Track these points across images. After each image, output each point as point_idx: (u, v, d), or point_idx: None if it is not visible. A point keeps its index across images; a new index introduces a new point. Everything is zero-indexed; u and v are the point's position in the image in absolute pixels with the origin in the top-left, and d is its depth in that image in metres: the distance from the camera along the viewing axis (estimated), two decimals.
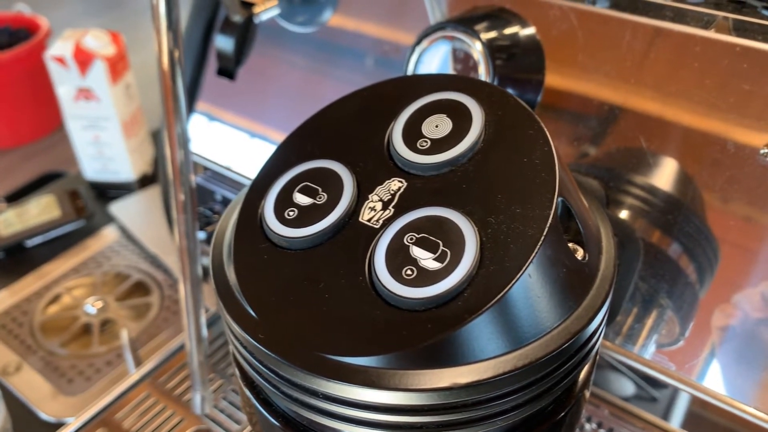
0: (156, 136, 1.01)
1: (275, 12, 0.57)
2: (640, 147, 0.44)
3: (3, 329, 0.73)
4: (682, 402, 0.50)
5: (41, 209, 0.88)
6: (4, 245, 0.83)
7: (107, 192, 0.94)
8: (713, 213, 0.42)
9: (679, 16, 0.43)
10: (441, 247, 0.27)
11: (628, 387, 0.53)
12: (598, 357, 0.34)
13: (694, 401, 0.48)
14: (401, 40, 0.54)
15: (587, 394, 0.34)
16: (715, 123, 0.41)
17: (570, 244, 0.29)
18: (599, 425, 0.53)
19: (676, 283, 0.44)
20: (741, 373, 0.42)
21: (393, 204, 0.29)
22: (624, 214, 0.44)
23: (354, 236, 0.29)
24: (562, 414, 0.31)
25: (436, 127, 0.30)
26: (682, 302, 0.43)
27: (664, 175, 0.43)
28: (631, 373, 0.51)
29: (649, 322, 0.45)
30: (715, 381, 0.43)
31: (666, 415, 0.52)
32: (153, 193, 0.92)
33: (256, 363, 0.28)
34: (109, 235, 0.86)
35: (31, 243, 0.84)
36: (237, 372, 0.32)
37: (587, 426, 0.53)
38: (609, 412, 0.53)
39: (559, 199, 0.28)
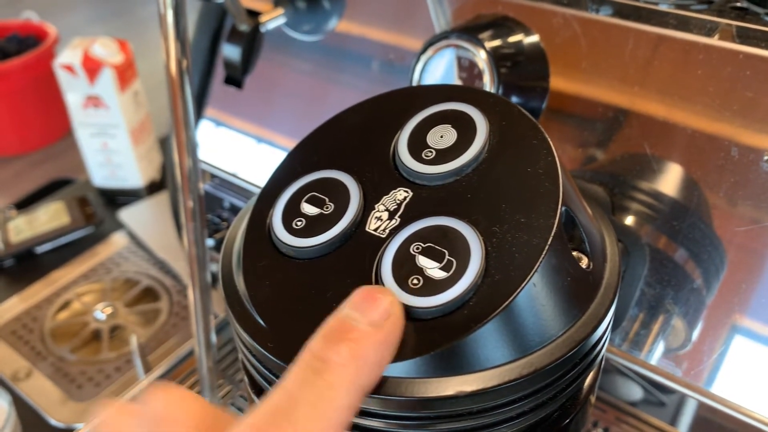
0: (163, 143, 1.01)
1: (281, 21, 0.58)
2: (645, 153, 0.44)
3: (13, 335, 0.74)
4: (690, 407, 0.51)
5: (51, 216, 0.88)
6: (15, 252, 0.84)
7: (116, 198, 0.94)
8: (718, 218, 0.42)
9: (682, 24, 0.43)
10: (447, 257, 0.27)
11: (635, 391, 0.53)
12: (603, 363, 0.34)
13: (702, 406, 0.48)
14: (406, 47, 0.55)
15: (593, 399, 0.34)
16: (718, 130, 0.42)
17: (574, 253, 0.29)
18: (606, 430, 0.53)
19: (682, 289, 0.44)
20: (749, 378, 0.42)
21: (399, 214, 0.29)
22: (629, 221, 0.45)
23: (361, 246, 0.29)
24: (568, 420, 0.31)
25: (441, 137, 0.31)
26: (688, 307, 0.44)
27: (669, 181, 0.44)
28: (638, 378, 0.51)
29: (656, 327, 0.45)
30: (722, 386, 0.43)
31: (674, 420, 0.52)
32: (161, 199, 0.93)
33: (265, 371, 0.29)
34: (118, 241, 0.87)
35: (41, 249, 0.85)
36: (246, 379, 0.33)
37: (594, 431, 0.53)
38: (616, 417, 0.54)
39: (563, 208, 0.28)
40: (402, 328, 0.25)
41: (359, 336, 0.23)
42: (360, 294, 0.25)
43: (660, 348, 0.45)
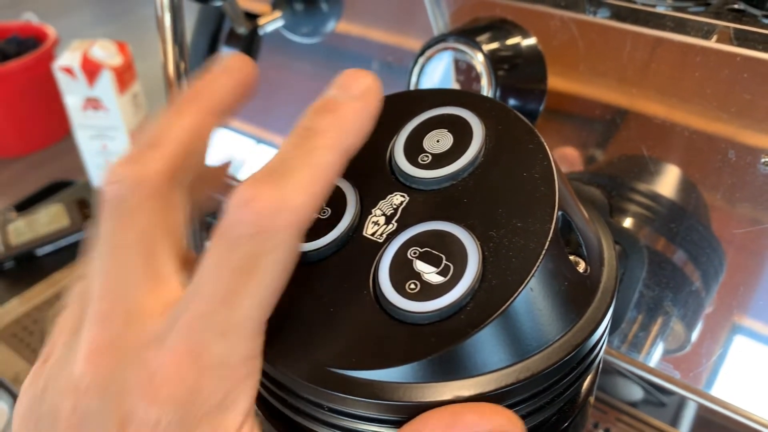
0: None
1: (279, 23, 0.58)
2: (643, 155, 0.44)
3: (14, 338, 0.74)
4: (690, 407, 0.51)
5: (51, 218, 0.88)
6: (15, 254, 0.84)
7: None
8: (716, 220, 0.42)
9: (680, 26, 0.43)
10: (444, 261, 0.27)
11: (636, 392, 0.53)
12: (601, 366, 0.34)
13: (702, 408, 0.49)
14: (405, 49, 0.55)
15: (591, 402, 0.34)
16: (716, 132, 0.42)
17: (571, 257, 0.29)
18: (607, 431, 0.53)
19: (681, 291, 0.44)
20: (748, 380, 0.42)
21: (396, 218, 0.29)
22: (628, 223, 0.45)
23: (358, 250, 0.29)
24: (566, 424, 0.31)
25: (437, 141, 0.31)
26: (687, 309, 0.44)
27: (667, 183, 0.44)
28: (638, 379, 0.51)
29: (655, 329, 0.45)
30: (721, 388, 0.43)
31: (674, 420, 0.52)
32: None
33: (261, 377, 0.29)
34: None
35: (41, 252, 0.85)
36: None
37: None
38: (616, 418, 0.54)
39: (559, 212, 0.28)
40: (380, 100, 0.28)
41: (340, 106, 0.27)
42: (342, 75, 0.28)
43: (659, 350, 0.45)
